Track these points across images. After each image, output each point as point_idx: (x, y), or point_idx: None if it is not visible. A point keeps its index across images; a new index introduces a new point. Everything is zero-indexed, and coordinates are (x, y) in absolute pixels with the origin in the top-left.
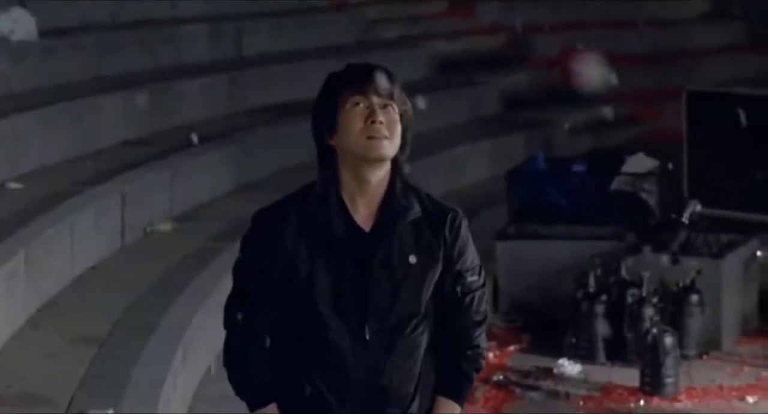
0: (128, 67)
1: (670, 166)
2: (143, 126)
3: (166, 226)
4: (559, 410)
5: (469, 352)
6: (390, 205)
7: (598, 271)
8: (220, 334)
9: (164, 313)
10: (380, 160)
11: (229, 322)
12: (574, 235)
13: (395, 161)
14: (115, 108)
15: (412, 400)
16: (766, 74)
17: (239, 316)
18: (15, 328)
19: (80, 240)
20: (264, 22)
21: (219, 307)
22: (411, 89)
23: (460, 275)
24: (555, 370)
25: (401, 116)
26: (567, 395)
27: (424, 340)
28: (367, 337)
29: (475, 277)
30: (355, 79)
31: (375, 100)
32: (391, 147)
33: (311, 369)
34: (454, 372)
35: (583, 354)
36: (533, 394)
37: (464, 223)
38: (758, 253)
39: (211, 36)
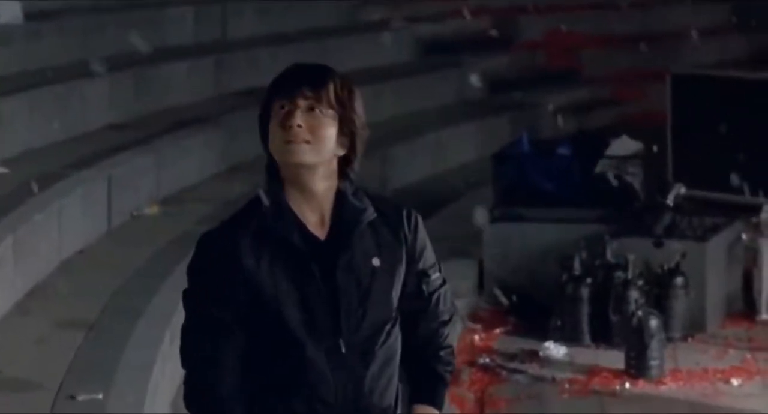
0: (113, 50)
1: (655, 148)
2: (128, 110)
3: (152, 210)
4: (545, 393)
5: (441, 353)
6: (342, 210)
7: (584, 254)
8: None
9: (152, 297)
10: (300, 166)
11: (189, 355)
12: (560, 218)
13: (343, 164)
14: (101, 91)
15: (394, 413)
16: (751, 57)
17: (201, 347)
18: (3, 313)
19: (67, 224)
20: (249, 5)
21: None
22: (395, 72)
23: (423, 274)
24: (540, 353)
25: (343, 121)
26: (552, 378)
27: (398, 348)
28: (343, 350)
29: (437, 275)
30: (282, 82)
31: (301, 103)
32: (312, 152)
33: (288, 392)
34: (428, 376)
35: (569, 336)
36: (519, 377)
37: (420, 219)
38: (743, 236)
39: (196, 19)
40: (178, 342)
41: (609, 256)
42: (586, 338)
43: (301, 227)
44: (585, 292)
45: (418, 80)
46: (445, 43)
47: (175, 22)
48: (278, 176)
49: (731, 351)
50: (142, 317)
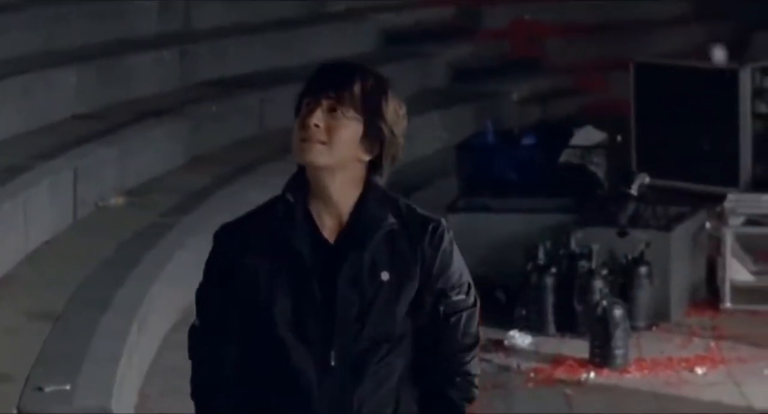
0: (78, 41)
1: (619, 138)
2: (94, 100)
3: (118, 201)
4: (510, 382)
5: (457, 379)
6: (359, 217)
7: (548, 244)
8: (173, 308)
9: (119, 288)
10: (312, 167)
11: (195, 350)
12: (524, 208)
13: (369, 170)
14: (66, 82)
15: None
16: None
17: (206, 344)
18: None
19: (34, 215)
20: None
21: (173, 280)
22: (360, 62)
23: (442, 294)
24: (506, 342)
25: (369, 125)
26: (518, 367)
27: (399, 366)
28: (333, 363)
29: (462, 296)
30: (311, 80)
31: (323, 102)
32: (325, 153)
33: (272, 400)
34: (440, 403)
35: (534, 326)
36: (484, 366)
37: (447, 235)
38: (706, 225)
39: (160, 9)
40: (144, 333)
41: (573, 245)
42: (551, 327)
43: (314, 232)
44: (549, 281)
45: (381, 70)
46: (408, 33)
47: (139, 12)
48: (303, 174)
49: (695, 340)
50: (109, 308)
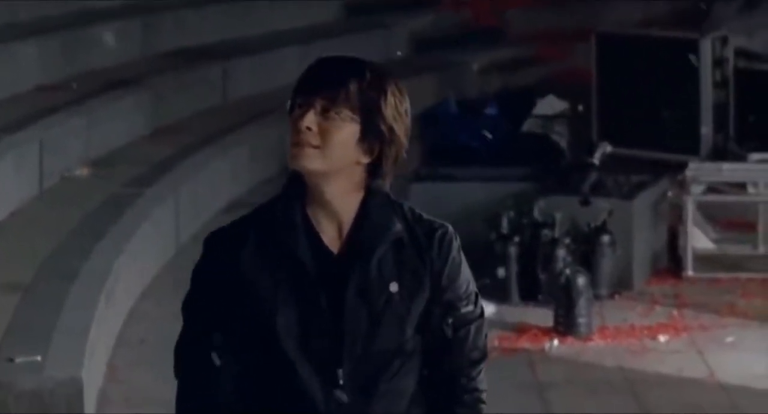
0: (41, 12)
1: (580, 107)
2: (57, 71)
3: (83, 172)
4: None
5: (465, 397)
6: (363, 225)
7: (511, 213)
8: (140, 280)
9: (86, 259)
10: (305, 172)
11: (184, 366)
12: (486, 177)
13: (371, 174)
14: (29, 53)
15: None
16: (674, 16)
17: (196, 361)
18: None
19: (0, 187)
20: None
21: (138, 252)
22: (321, 33)
23: (451, 305)
24: None
25: (366, 125)
26: None
27: (410, 385)
28: (341, 382)
29: (470, 307)
30: (302, 79)
31: (316, 103)
32: (319, 158)
33: None
34: None
35: (498, 295)
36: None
37: (455, 243)
38: (668, 193)
39: None
40: (111, 304)
41: (536, 214)
42: (515, 296)
43: (315, 240)
44: (513, 250)
45: (343, 40)
46: (369, 4)
47: None
48: (301, 178)
49: (658, 308)
50: (77, 279)
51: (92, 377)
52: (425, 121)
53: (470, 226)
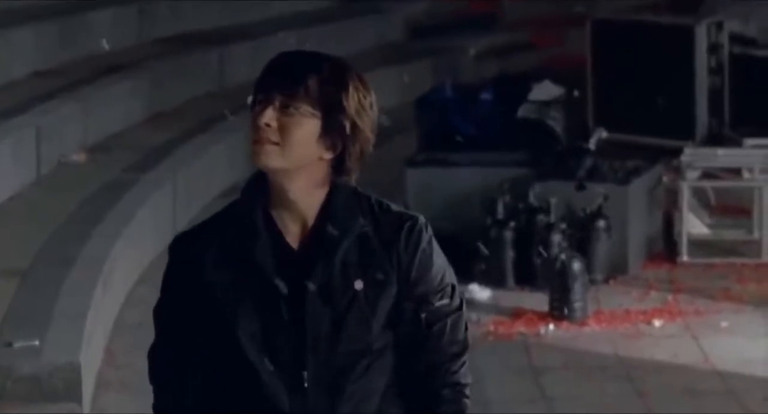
0: None
1: (576, 93)
2: (54, 57)
3: (80, 158)
4: (470, 335)
5: (445, 392)
6: (326, 221)
7: (506, 198)
8: (137, 265)
9: (83, 245)
10: (266, 169)
11: (155, 373)
12: (482, 162)
13: (335, 169)
14: (26, 39)
15: None
16: (670, 2)
17: (167, 366)
18: None
19: None
20: None
21: (136, 237)
22: (318, 18)
23: (423, 300)
24: (465, 296)
25: (328, 120)
26: (477, 320)
27: (380, 385)
28: (306, 385)
29: (446, 301)
30: (261, 75)
31: (275, 98)
32: (279, 155)
33: None
34: None
35: (493, 279)
36: None
37: (426, 233)
38: (663, 179)
39: None
40: (109, 290)
41: (532, 199)
42: (511, 281)
43: (278, 240)
44: (508, 235)
45: (339, 26)
46: None
47: None
48: (263, 177)
49: (653, 293)
50: (75, 265)
51: (90, 361)
52: (421, 107)
53: (466, 211)
